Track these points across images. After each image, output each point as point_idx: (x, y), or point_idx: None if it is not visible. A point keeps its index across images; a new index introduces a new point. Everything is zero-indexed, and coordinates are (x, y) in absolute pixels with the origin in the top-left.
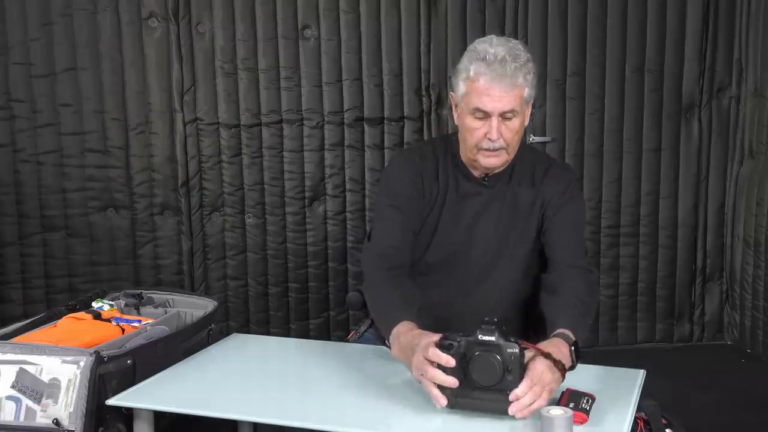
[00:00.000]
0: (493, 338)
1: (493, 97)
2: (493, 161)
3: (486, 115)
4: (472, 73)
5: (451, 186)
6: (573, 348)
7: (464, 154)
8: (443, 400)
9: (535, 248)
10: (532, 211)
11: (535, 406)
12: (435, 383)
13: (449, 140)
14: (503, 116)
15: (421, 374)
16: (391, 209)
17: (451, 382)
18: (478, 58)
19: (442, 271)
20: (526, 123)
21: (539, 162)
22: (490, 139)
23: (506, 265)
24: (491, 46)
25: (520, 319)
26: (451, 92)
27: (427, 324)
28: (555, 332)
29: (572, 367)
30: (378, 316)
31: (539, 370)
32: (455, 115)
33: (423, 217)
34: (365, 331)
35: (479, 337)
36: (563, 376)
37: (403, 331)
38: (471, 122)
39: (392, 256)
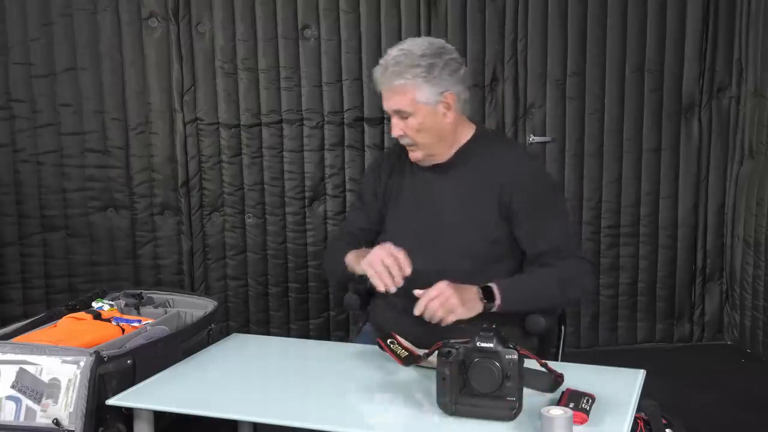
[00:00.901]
0: (491, 345)
1: (384, 98)
2: (412, 155)
3: (390, 115)
4: (374, 77)
5: (411, 176)
6: (482, 291)
7: None
8: (383, 284)
9: (498, 237)
10: (491, 193)
11: (432, 307)
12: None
13: None
14: (401, 115)
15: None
16: (358, 202)
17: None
18: (380, 62)
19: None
20: (448, 119)
21: (495, 148)
22: (396, 136)
23: (456, 248)
24: (390, 51)
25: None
26: None
27: (390, 306)
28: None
29: (488, 305)
30: (332, 257)
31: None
32: None
33: (379, 207)
34: (363, 325)
35: (478, 344)
36: (471, 307)
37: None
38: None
39: (355, 233)
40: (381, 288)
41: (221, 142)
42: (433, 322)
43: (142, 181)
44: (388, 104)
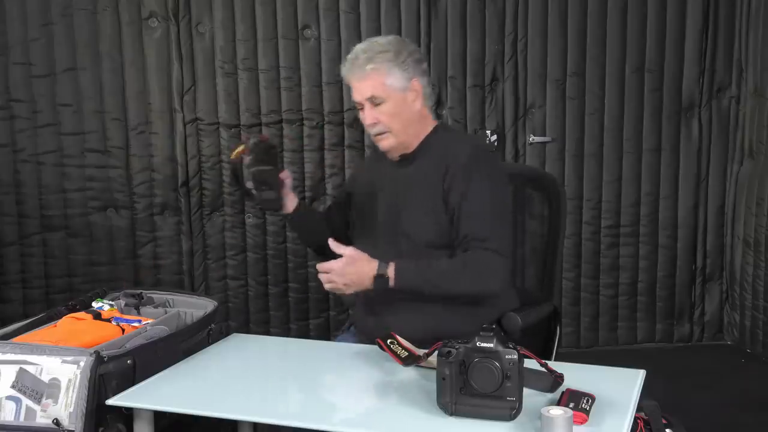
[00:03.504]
0: (491, 345)
1: (354, 88)
2: (384, 143)
3: (362, 105)
4: (342, 74)
5: (378, 172)
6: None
7: None
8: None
9: (446, 225)
10: (438, 181)
11: (322, 278)
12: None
13: None
14: (372, 102)
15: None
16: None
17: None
18: (345, 59)
19: (367, 242)
20: (417, 107)
21: (449, 137)
22: (368, 125)
23: (416, 238)
24: (353, 48)
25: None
26: None
27: (365, 305)
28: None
29: (379, 282)
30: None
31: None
32: None
33: (348, 202)
34: (349, 327)
35: (477, 344)
36: (359, 285)
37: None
38: (359, 114)
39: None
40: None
41: (221, 142)
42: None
43: (142, 181)
44: (360, 93)
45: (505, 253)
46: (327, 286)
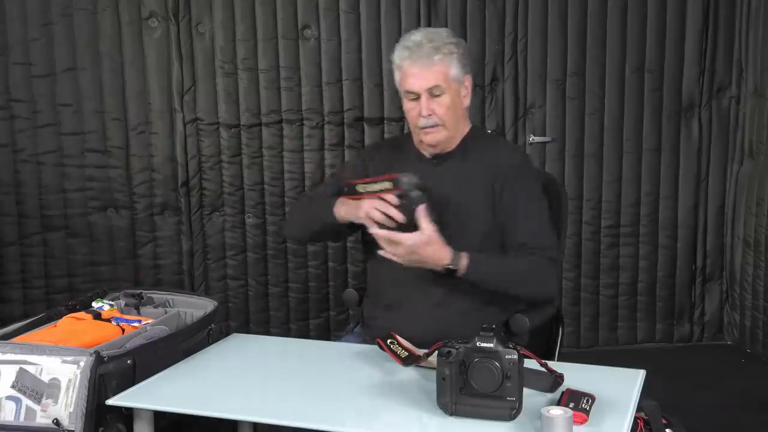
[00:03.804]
0: (491, 345)
1: (415, 76)
2: (433, 136)
3: (417, 96)
4: (398, 60)
5: (404, 167)
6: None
7: (414, 138)
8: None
9: (491, 228)
10: (486, 186)
11: (397, 252)
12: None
13: (407, 134)
14: (431, 93)
15: (369, 214)
16: (332, 179)
17: (394, 215)
18: (401, 46)
19: None
20: (467, 102)
21: (491, 142)
22: (423, 116)
23: (459, 237)
24: (412, 34)
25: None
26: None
27: (376, 303)
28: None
29: (450, 268)
30: (304, 207)
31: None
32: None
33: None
34: (354, 327)
35: (477, 344)
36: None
37: (344, 199)
38: (407, 104)
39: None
40: (374, 228)
41: (221, 142)
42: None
43: (142, 181)
44: (422, 82)
45: (557, 262)
46: (387, 255)
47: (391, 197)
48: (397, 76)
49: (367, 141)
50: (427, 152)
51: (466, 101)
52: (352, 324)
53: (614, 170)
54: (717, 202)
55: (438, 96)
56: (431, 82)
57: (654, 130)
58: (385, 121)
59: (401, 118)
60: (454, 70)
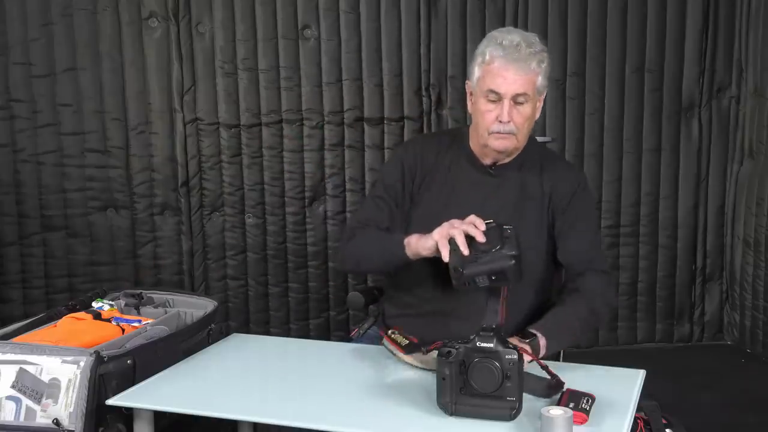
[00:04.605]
0: (491, 345)
1: (507, 78)
2: (503, 143)
3: (499, 98)
4: (488, 57)
5: (457, 172)
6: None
7: (475, 141)
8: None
9: (546, 244)
10: (542, 202)
11: None
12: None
13: (459, 131)
14: (515, 100)
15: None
16: (379, 200)
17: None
18: (495, 42)
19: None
20: (537, 115)
21: (548, 156)
22: (500, 122)
23: None
24: (509, 33)
25: (525, 321)
26: (467, 80)
27: (424, 323)
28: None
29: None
30: (375, 244)
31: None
32: (469, 104)
33: (406, 209)
34: (368, 328)
35: (477, 344)
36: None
37: (415, 235)
38: (484, 105)
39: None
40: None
41: (221, 142)
42: None
43: (142, 181)
44: (513, 86)
45: (608, 269)
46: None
47: (481, 223)
48: (477, 72)
49: (367, 141)
50: (489, 158)
51: (538, 114)
52: (367, 325)
53: (614, 170)
54: (717, 202)
55: (521, 104)
56: (521, 88)
57: (654, 130)
58: (385, 121)
59: (401, 118)
60: (541, 80)
